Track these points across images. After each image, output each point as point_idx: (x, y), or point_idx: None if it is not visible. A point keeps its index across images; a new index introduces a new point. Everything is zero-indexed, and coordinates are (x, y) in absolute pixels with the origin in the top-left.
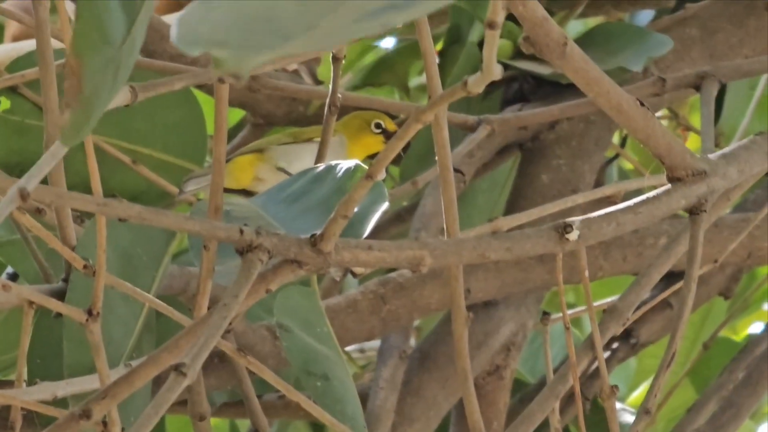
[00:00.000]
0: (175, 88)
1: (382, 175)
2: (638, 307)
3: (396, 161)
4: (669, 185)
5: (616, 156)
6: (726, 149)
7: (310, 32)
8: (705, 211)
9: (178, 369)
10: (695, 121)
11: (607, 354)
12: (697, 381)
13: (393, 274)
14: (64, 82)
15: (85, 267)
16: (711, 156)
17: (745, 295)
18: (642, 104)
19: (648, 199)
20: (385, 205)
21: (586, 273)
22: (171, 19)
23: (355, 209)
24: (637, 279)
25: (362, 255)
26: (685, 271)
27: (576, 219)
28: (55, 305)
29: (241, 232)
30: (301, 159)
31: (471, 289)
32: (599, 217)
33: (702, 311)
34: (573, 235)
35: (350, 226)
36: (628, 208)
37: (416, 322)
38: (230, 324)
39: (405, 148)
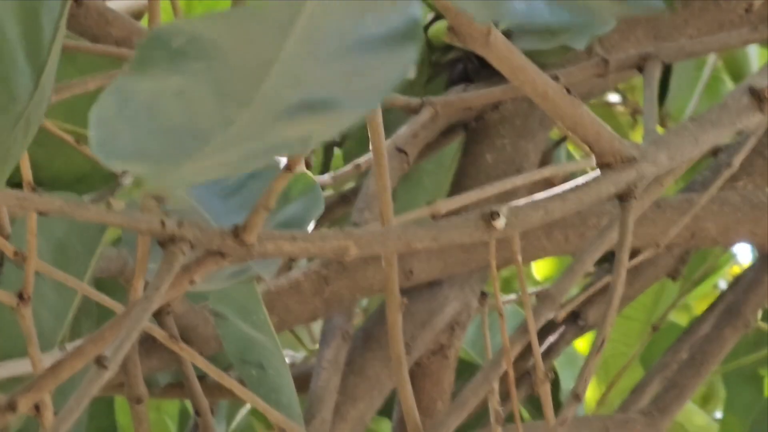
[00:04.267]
0: (90, 89)
1: (300, 168)
2: (585, 290)
3: (339, 144)
4: (598, 172)
5: (564, 139)
6: (656, 136)
7: (228, 130)
8: (635, 197)
9: (99, 362)
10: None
11: (555, 337)
12: (647, 363)
13: None
14: None
15: (15, 254)
16: (642, 143)
17: (693, 277)
18: (569, 92)
19: (577, 187)
20: (320, 210)
21: (519, 258)
22: (115, 5)
23: (290, 212)
24: (571, 265)
25: (286, 245)
26: (615, 256)
27: (503, 206)
28: None
29: (163, 224)
30: None
31: (413, 270)
32: (526, 204)
33: (653, 293)
34: (500, 223)
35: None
36: (556, 195)
37: (364, 303)
38: (169, 305)
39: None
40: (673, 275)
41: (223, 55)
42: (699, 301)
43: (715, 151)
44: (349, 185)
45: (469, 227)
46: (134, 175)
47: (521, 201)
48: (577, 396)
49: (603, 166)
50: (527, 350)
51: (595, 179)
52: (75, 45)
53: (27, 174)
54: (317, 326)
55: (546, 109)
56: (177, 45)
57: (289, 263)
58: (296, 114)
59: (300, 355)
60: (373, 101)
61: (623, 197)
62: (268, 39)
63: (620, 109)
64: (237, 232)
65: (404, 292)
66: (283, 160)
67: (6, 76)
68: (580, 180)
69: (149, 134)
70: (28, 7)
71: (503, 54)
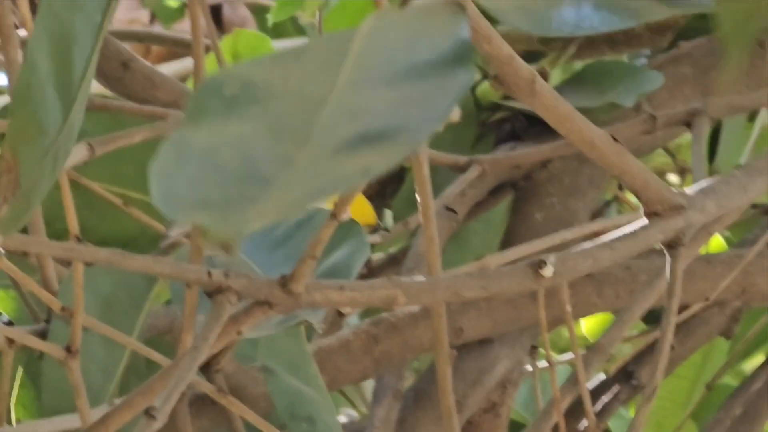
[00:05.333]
0: (135, 141)
1: (346, 215)
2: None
3: (388, 204)
4: (646, 220)
5: (615, 198)
6: (704, 184)
7: (288, 170)
8: (683, 245)
9: (148, 412)
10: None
11: (608, 396)
12: (701, 422)
13: (385, 314)
14: (2, 178)
15: (63, 309)
16: (689, 190)
17: (746, 335)
18: (615, 140)
19: (625, 235)
20: (367, 255)
21: (569, 308)
22: (164, 68)
23: (337, 258)
24: (620, 315)
25: (334, 295)
26: (664, 305)
27: (551, 255)
28: (33, 343)
29: (210, 274)
30: None
31: (464, 327)
32: (575, 253)
33: (702, 350)
34: (548, 271)
35: (333, 278)
36: (605, 244)
37: (415, 364)
38: (219, 364)
39: (395, 189)
40: (726, 334)
41: (277, 97)
42: (750, 363)
43: (767, 209)
44: (398, 246)
45: (517, 276)
46: (199, 224)
47: (570, 251)
48: None
49: (651, 214)
50: (579, 410)
51: (644, 228)
52: (121, 106)
53: (74, 228)
54: (368, 389)
55: (593, 157)
56: (230, 92)
57: (340, 322)
58: (354, 147)
59: (356, 414)
60: (428, 128)
61: (672, 245)
62: (320, 75)
63: (671, 177)
64: (284, 282)
65: (454, 349)
66: (328, 209)
67: (35, 109)
68: (628, 229)
69: (210, 183)
70: (61, 44)
71: (549, 102)
